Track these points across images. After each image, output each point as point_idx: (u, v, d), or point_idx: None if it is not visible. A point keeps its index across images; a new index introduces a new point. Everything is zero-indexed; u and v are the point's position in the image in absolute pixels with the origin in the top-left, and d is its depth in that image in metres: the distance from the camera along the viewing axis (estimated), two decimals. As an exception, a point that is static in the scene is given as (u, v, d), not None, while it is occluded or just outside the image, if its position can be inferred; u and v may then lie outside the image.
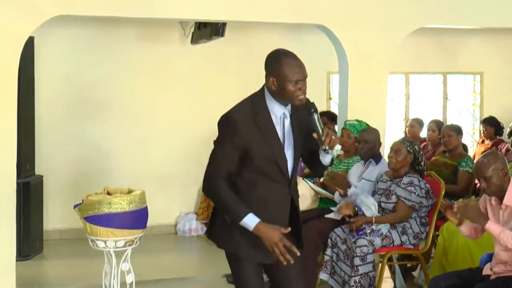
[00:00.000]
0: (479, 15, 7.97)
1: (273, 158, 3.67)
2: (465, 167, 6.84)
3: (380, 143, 6.30)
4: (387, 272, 6.06)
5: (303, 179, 6.69)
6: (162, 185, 8.79)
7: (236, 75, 9.17)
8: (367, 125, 6.44)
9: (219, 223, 3.79)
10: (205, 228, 8.55)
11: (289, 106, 3.76)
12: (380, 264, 5.75)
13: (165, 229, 8.74)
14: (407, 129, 9.45)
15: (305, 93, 3.69)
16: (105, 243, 4.89)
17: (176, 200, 8.89)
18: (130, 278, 5.05)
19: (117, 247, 4.93)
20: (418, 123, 9.41)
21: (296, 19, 7.47)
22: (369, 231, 5.60)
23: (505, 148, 8.13)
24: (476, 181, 6.88)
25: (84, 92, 8.62)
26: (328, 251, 5.81)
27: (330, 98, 9.74)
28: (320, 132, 3.65)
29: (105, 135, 8.71)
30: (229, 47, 8.97)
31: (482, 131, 9.53)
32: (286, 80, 3.64)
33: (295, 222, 3.82)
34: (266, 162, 3.66)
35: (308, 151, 3.86)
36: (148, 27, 8.75)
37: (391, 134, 9.86)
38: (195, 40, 8.66)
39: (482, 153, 8.56)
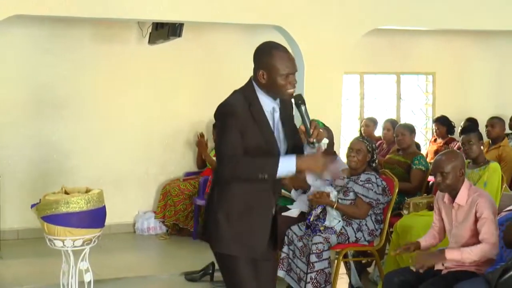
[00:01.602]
0: (431, 16, 8.08)
1: (266, 148, 3.61)
2: (418, 165, 6.91)
3: (333, 143, 6.32)
4: (342, 269, 6.09)
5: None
6: (120, 184, 8.73)
7: (193, 75, 9.14)
8: (323, 124, 6.46)
9: (212, 225, 3.69)
10: (163, 227, 8.53)
11: (277, 100, 3.70)
12: (335, 261, 5.79)
13: (124, 228, 8.68)
14: (362, 128, 9.53)
15: (295, 87, 3.63)
16: (63, 242, 4.85)
17: (134, 199, 8.83)
18: (88, 277, 5.01)
19: (75, 246, 4.89)
20: (373, 122, 9.50)
21: (252, 20, 7.50)
22: (322, 228, 5.63)
23: (456, 146, 8.24)
24: (429, 178, 6.99)
25: (41, 92, 8.51)
26: (285, 249, 5.82)
27: (286, 98, 9.75)
28: (308, 124, 3.61)
29: (62, 135, 8.61)
30: (187, 47, 8.94)
31: (434, 130, 9.65)
32: (276, 74, 3.58)
33: (275, 220, 3.84)
34: (258, 152, 3.58)
35: (291, 147, 3.78)
36: (105, 27, 8.67)
37: (346, 133, 9.94)
38: (152, 40, 8.62)
39: (435, 151, 8.74)
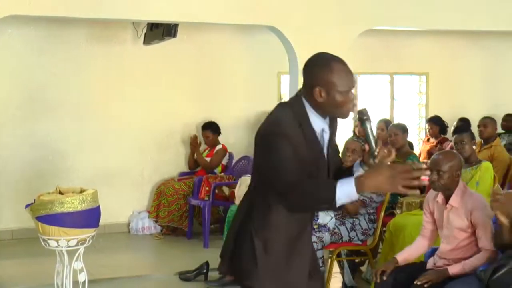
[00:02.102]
0: (424, 17, 8.09)
1: (316, 174, 3.13)
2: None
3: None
4: (336, 268, 6.10)
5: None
6: (115, 184, 8.71)
7: (188, 75, 9.14)
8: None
9: (247, 255, 3.21)
10: (158, 227, 8.50)
11: (327, 119, 3.21)
12: (329, 260, 5.79)
13: (118, 227, 8.67)
14: (356, 128, 9.52)
15: (353, 105, 3.18)
16: (57, 242, 4.84)
17: (129, 199, 8.82)
18: (82, 277, 5.00)
19: (69, 246, 4.88)
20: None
21: (247, 21, 7.49)
22: (316, 226, 5.64)
23: (449, 146, 8.24)
24: (422, 178, 6.99)
25: (36, 92, 8.50)
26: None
27: (280, 98, 9.76)
28: (373, 144, 3.13)
29: (57, 135, 8.59)
30: (182, 47, 8.93)
31: (427, 130, 9.66)
32: (337, 90, 3.07)
33: (313, 251, 3.49)
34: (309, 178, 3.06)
35: (333, 169, 3.35)
36: (101, 27, 8.66)
37: (340, 133, 9.92)
38: (147, 40, 8.61)
39: (428, 151, 8.75)
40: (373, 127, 3.12)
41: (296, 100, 3.18)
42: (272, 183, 3.06)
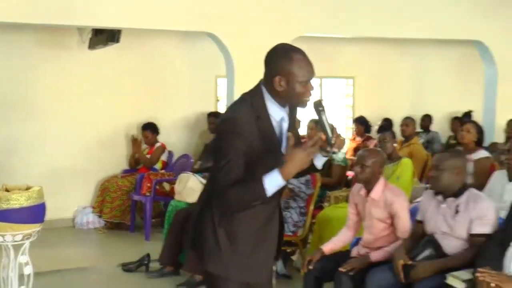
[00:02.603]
0: (351, 25, 8.21)
1: (272, 163, 2.96)
2: (338, 161, 7.00)
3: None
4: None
5: (193, 174, 6.69)
6: (61, 181, 8.57)
7: (131, 78, 9.06)
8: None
9: (210, 241, 3.08)
10: (102, 221, 8.42)
11: (287, 108, 3.11)
12: (263, 251, 5.81)
13: (64, 222, 8.51)
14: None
15: (311, 95, 3.07)
16: (3, 237, 4.73)
17: (74, 195, 8.69)
18: (28, 270, 4.90)
19: (15, 241, 4.78)
20: (298, 122, 9.56)
21: (187, 27, 7.50)
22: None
23: (373, 144, 8.38)
24: (348, 173, 7.09)
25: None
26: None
27: (217, 100, 9.76)
28: (329, 133, 3.01)
29: (6, 136, 8.41)
30: (125, 52, 8.85)
31: (353, 129, 9.80)
32: (296, 81, 2.97)
33: (281, 233, 3.34)
34: (264, 171, 2.92)
35: None
36: (48, 33, 8.51)
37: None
38: (92, 45, 8.51)
39: (354, 149, 8.88)
40: (328, 117, 3.06)
41: (256, 90, 3.08)
42: (217, 177, 2.96)
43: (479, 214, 4.08)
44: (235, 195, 2.91)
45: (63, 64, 8.69)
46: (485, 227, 4.07)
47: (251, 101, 3.04)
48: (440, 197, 4.28)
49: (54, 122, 8.65)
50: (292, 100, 3.05)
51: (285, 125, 3.12)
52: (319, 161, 3.13)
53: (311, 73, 3.01)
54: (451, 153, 4.34)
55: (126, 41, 8.39)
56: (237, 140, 2.92)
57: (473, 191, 4.24)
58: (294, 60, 2.99)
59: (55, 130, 8.66)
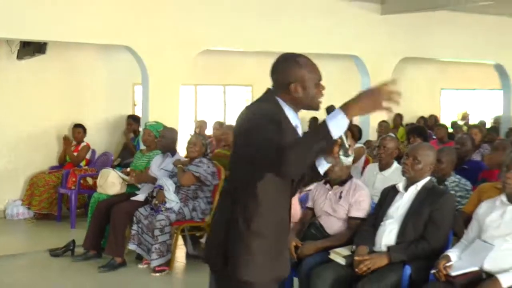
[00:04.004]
0: (249, 41, 8.31)
1: None
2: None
3: (176, 140, 6.35)
4: (181, 240, 6.12)
5: (113, 169, 6.60)
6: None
7: (58, 85, 8.78)
8: (164, 125, 6.48)
9: (242, 251, 2.60)
10: (31, 212, 8.13)
11: (298, 114, 2.74)
12: (175, 235, 5.81)
13: (-4, 214, 8.21)
14: (197, 129, 9.59)
15: (324, 94, 2.72)
16: None
17: (4, 189, 8.35)
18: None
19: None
20: (205, 123, 9.62)
21: (106, 41, 7.41)
22: (164, 209, 5.64)
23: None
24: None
25: None
26: (134, 227, 5.77)
27: (135, 105, 9.65)
28: (345, 137, 2.60)
29: None
30: (51, 62, 8.56)
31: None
32: (310, 83, 2.64)
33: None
34: None
35: None
36: (-21, 44, 8.17)
37: (183, 133, 9.96)
38: (20, 56, 8.20)
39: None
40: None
41: (272, 100, 2.67)
42: (265, 157, 2.46)
43: (357, 200, 4.26)
44: (299, 145, 2.43)
45: (-6, 73, 8.36)
46: (360, 212, 4.27)
47: (270, 106, 2.64)
48: (328, 186, 4.42)
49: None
50: (309, 104, 2.68)
51: (300, 132, 2.73)
52: (323, 168, 2.74)
53: (319, 72, 2.69)
54: None
55: (52, 52, 8.16)
56: (273, 123, 2.50)
57: (355, 181, 4.41)
58: (303, 65, 2.66)
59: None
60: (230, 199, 2.66)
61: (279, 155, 2.38)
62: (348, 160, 2.86)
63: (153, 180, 6.03)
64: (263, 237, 2.61)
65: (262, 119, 2.51)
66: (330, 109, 2.55)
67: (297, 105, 2.67)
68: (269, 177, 2.54)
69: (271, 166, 2.45)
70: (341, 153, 2.65)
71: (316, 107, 2.69)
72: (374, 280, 3.63)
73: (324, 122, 2.42)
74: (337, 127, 2.42)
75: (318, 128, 2.46)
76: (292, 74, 2.64)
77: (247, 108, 2.72)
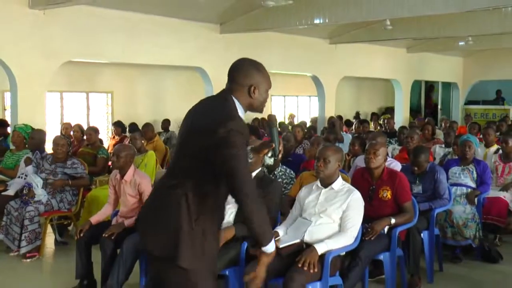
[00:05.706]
0: (107, 53, 8.11)
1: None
2: (101, 154, 6.86)
3: (44, 140, 6.08)
4: (49, 229, 5.87)
5: None
6: None
7: None
8: (32, 128, 6.18)
9: (188, 240, 2.39)
10: None
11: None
12: (44, 224, 5.56)
13: None
14: (63, 130, 9.09)
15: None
16: None
17: None
18: None
19: None
20: (70, 125, 9.18)
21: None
22: (33, 202, 5.38)
23: (127, 141, 8.33)
24: (109, 163, 6.98)
25: None
26: (4, 218, 5.44)
27: (5, 109, 9.02)
28: (277, 143, 2.66)
29: None
30: None
31: (113, 130, 9.70)
32: (264, 89, 2.56)
33: None
34: None
35: None
36: None
37: (51, 135, 9.52)
38: None
39: (113, 145, 8.74)
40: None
41: (228, 99, 2.51)
42: (234, 181, 2.34)
43: None
44: (264, 219, 2.41)
45: None
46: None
47: (230, 104, 2.50)
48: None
49: None
50: (258, 106, 2.57)
51: None
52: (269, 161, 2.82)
53: (270, 82, 2.62)
54: None
55: None
56: (244, 144, 2.40)
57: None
58: (262, 72, 2.57)
59: None
60: (174, 192, 2.43)
61: (243, 195, 2.33)
62: (270, 160, 2.95)
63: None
64: (206, 232, 2.44)
65: (237, 136, 2.35)
66: (273, 118, 2.73)
67: (248, 106, 2.55)
68: (220, 180, 2.42)
69: (231, 188, 2.37)
70: (269, 155, 2.75)
71: (261, 110, 2.60)
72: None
73: (270, 239, 2.44)
74: (268, 248, 2.45)
75: (267, 235, 2.43)
76: (254, 77, 2.53)
77: (211, 104, 2.59)
